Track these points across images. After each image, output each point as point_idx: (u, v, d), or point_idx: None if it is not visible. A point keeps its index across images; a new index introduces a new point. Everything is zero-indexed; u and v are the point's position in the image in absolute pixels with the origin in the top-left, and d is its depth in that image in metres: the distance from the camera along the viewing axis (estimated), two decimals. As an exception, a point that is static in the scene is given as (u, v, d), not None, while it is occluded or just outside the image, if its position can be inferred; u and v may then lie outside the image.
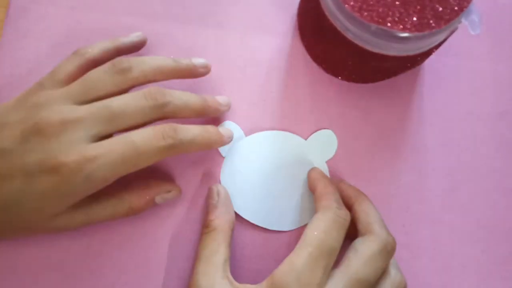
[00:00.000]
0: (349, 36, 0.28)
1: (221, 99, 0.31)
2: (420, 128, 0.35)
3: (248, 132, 0.34)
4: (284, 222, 0.32)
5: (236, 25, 0.35)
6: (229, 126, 0.33)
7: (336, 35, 0.28)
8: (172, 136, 0.27)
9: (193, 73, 0.31)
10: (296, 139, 0.34)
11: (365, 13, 0.26)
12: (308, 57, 0.35)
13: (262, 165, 0.33)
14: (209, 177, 0.33)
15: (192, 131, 0.28)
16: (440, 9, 0.26)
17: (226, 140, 0.31)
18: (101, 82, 0.28)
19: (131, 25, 0.34)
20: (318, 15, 0.29)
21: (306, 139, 0.34)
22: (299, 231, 0.33)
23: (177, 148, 0.27)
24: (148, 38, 0.34)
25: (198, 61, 0.31)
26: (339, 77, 0.35)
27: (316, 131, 0.34)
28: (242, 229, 0.32)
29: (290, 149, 0.34)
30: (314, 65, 0.35)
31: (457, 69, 0.36)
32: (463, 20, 0.27)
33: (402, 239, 0.33)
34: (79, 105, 0.27)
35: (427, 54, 0.30)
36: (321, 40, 0.31)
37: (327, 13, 0.28)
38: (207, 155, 0.33)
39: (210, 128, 0.30)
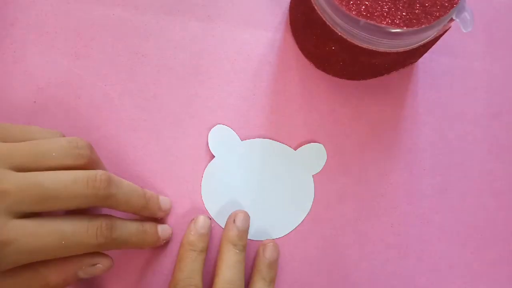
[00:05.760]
0: (338, 30, 0.27)
1: (163, 203, 0.30)
2: (411, 127, 0.35)
3: (236, 128, 0.33)
4: (271, 231, 0.32)
5: (227, 18, 0.35)
6: (223, 130, 0.33)
7: (325, 29, 0.28)
8: (106, 236, 0.25)
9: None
10: (284, 149, 0.33)
11: (353, 7, 0.25)
12: (299, 52, 0.35)
13: (248, 175, 0.33)
14: (194, 175, 0.33)
15: (129, 229, 0.27)
16: (427, 4, 0.26)
17: (161, 243, 0.30)
18: (54, 159, 0.25)
19: (121, 16, 0.34)
20: (308, 8, 0.29)
21: (295, 149, 0.33)
22: (291, 235, 0.32)
23: (108, 246, 0.26)
24: (138, 30, 0.34)
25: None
26: (330, 73, 0.34)
27: (306, 142, 0.33)
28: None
29: (278, 159, 0.33)
30: (305, 60, 0.35)
31: (451, 69, 0.36)
32: (454, 17, 0.27)
33: (390, 239, 0.33)
34: (13, 171, 0.24)
35: (419, 53, 0.30)
36: (311, 35, 0.31)
37: (316, 7, 0.28)
38: (193, 160, 0.33)
39: (148, 227, 0.29)
